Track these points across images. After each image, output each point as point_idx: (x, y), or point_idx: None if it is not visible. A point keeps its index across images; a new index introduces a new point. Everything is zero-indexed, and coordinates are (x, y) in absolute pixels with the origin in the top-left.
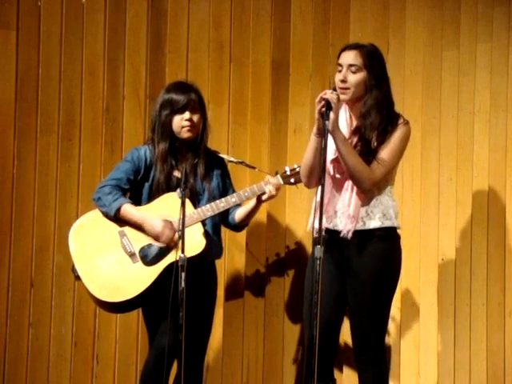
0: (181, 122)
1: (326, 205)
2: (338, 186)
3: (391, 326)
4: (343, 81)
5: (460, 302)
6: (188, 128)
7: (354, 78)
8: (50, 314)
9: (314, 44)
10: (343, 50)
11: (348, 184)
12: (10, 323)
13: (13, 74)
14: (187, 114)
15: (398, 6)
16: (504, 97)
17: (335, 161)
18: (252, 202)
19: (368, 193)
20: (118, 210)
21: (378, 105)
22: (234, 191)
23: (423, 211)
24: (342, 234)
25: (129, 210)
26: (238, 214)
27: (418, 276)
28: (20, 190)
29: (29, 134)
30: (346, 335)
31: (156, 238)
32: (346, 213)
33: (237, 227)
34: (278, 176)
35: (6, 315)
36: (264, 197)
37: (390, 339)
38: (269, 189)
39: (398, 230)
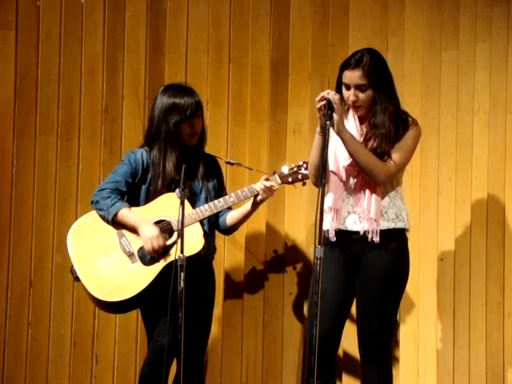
0: (189, 130)
1: (339, 208)
2: (352, 189)
3: None
4: (355, 100)
5: (459, 301)
6: (194, 136)
7: (364, 96)
8: (49, 314)
9: (314, 44)
10: (346, 68)
11: (364, 189)
12: (9, 323)
13: (12, 74)
14: (195, 122)
15: (398, 6)
16: (503, 97)
17: (349, 166)
18: (247, 206)
19: (384, 187)
20: (116, 215)
21: (390, 116)
22: (226, 191)
23: (422, 211)
24: (370, 238)
25: (125, 214)
26: (230, 218)
27: (417, 276)
28: (19, 190)
29: (28, 134)
30: (344, 337)
31: (146, 244)
32: (366, 216)
33: (227, 230)
34: (276, 176)
35: (5, 315)
36: (258, 197)
37: None
38: (264, 185)
39: (407, 233)
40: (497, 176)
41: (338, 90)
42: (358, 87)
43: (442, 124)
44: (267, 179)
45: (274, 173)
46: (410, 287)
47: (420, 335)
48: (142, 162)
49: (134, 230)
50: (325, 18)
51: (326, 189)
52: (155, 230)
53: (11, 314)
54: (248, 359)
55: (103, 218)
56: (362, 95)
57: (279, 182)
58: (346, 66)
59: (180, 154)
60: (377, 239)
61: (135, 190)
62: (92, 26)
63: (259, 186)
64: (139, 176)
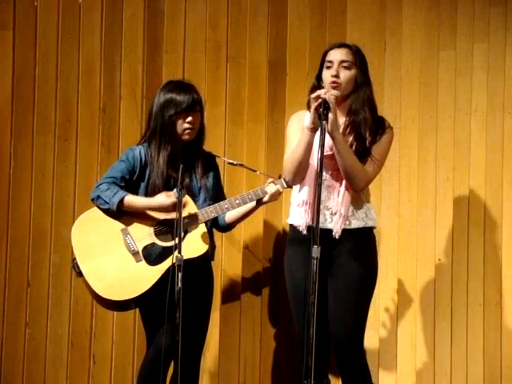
0: (183, 125)
1: (312, 203)
2: (325, 184)
3: (388, 326)
4: (336, 76)
5: (457, 302)
6: (189, 131)
7: (346, 74)
8: (46, 313)
9: (311, 44)
10: (331, 48)
11: (339, 183)
12: (7, 323)
13: (9, 73)
14: (190, 117)
15: (395, 6)
16: (501, 97)
17: (326, 158)
18: (247, 206)
19: (360, 192)
20: (121, 201)
21: (370, 101)
22: (222, 189)
23: (420, 211)
24: (334, 233)
25: (131, 199)
26: (230, 215)
27: (414, 276)
28: (16, 190)
29: (25, 134)
30: None
31: (169, 209)
32: (338, 212)
33: (225, 228)
34: (282, 180)
35: (2, 315)
36: (265, 198)
37: (386, 339)
38: (270, 191)
39: (374, 230)
40: (494, 176)
41: (318, 79)
42: (342, 63)
43: (440, 124)
44: (274, 183)
45: (280, 177)
46: (407, 287)
47: (417, 335)
48: (140, 159)
49: (143, 216)
50: (323, 18)
51: (302, 183)
52: (164, 197)
53: (9, 313)
54: (245, 359)
55: (108, 210)
56: (344, 72)
57: (285, 186)
58: (331, 47)
59: (173, 149)
60: (339, 235)
61: (134, 188)
62: (90, 26)
63: (270, 189)
64: (137, 173)
